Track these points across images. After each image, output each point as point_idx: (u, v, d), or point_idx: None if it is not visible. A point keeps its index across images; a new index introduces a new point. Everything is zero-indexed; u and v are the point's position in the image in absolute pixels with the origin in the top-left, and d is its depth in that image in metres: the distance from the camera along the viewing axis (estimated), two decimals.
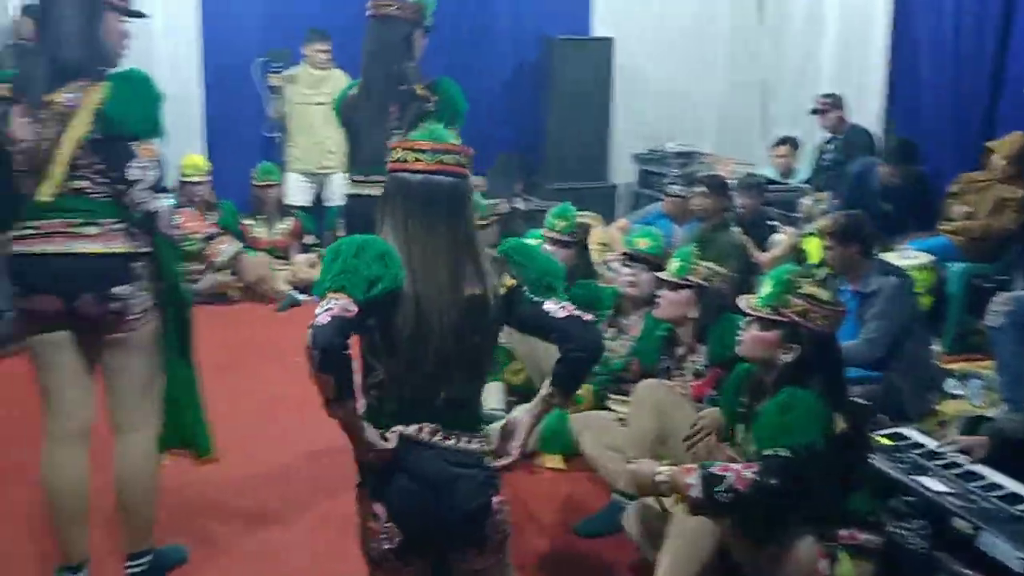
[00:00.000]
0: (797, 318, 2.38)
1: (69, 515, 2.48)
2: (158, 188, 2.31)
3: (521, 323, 1.99)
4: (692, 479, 2.27)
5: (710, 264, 3.22)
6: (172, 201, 2.36)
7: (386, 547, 1.87)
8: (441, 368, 1.85)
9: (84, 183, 2.31)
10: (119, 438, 2.50)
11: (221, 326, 5.02)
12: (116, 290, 2.32)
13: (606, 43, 7.35)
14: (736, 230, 4.76)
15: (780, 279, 2.43)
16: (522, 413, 2.01)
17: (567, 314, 1.91)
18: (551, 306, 1.91)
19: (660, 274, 3.33)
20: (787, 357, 2.40)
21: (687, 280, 3.18)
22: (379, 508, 1.86)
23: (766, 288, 2.44)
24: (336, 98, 3.54)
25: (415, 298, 1.81)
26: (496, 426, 2.02)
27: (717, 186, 4.70)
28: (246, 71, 6.65)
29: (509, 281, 1.94)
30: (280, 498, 3.29)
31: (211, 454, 2.76)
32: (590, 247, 5.66)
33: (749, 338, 2.46)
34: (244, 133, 6.96)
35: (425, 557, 1.93)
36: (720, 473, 2.26)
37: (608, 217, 6.54)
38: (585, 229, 4.31)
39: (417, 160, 1.89)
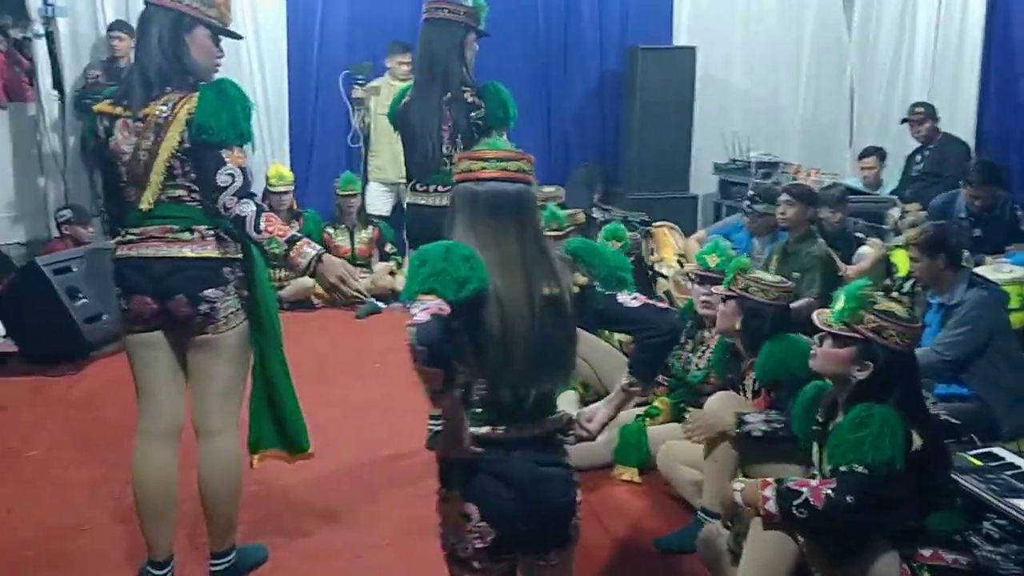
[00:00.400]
0: (871, 335, 2.31)
1: (156, 511, 2.56)
2: (245, 194, 2.38)
3: (598, 317, 2.04)
4: (768, 492, 2.24)
5: (760, 276, 3.15)
6: (254, 207, 2.40)
7: (478, 546, 1.90)
8: (528, 368, 1.88)
9: (180, 191, 2.41)
10: (202, 440, 2.58)
11: (303, 332, 5.15)
12: (207, 293, 2.42)
13: (689, 52, 7.29)
14: (821, 242, 4.64)
15: (854, 294, 2.36)
16: (601, 403, 2.07)
17: (641, 303, 1.98)
18: (624, 297, 1.98)
19: (716, 288, 3.30)
20: (861, 374, 2.33)
21: (732, 291, 3.11)
22: (471, 508, 1.89)
23: (840, 303, 2.38)
24: (391, 104, 3.57)
25: (499, 300, 1.85)
26: (576, 412, 2.07)
27: (804, 196, 4.58)
28: (330, 83, 6.82)
29: (581, 279, 1.97)
30: (361, 500, 3.35)
31: (308, 449, 2.81)
32: (666, 258, 5.62)
33: (822, 354, 2.41)
34: (328, 144, 7.14)
35: (513, 556, 1.97)
36: (796, 488, 2.23)
37: (688, 228, 6.47)
38: (637, 243, 4.37)
39: (483, 169, 1.93)
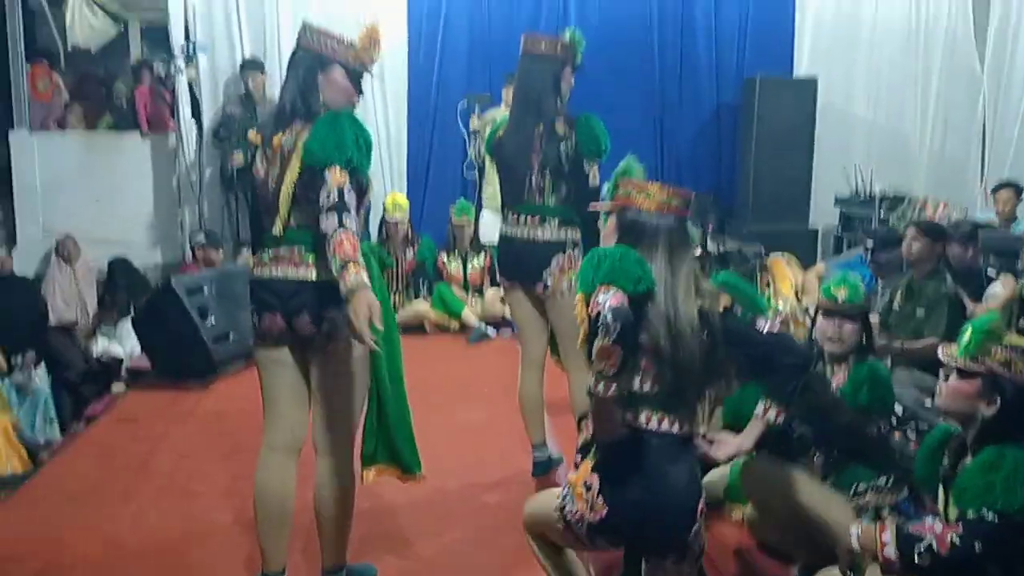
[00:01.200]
0: (999, 368, 2.21)
1: (273, 523, 2.66)
2: (338, 211, 2.40)
3: (734, 336, 2.17)
4: (886, 537, 2.15)
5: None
6: (337, 224, 2.42)
7: (589, 519, 2.04)
8: (680, 369, 2.05)
9: (304, 217, 2.54)
10: (320, 458, 2.68)
11: (415, 356, 5.20)
12: (329, 312, 2.52)
13: (810, 83, 7.14)
14: (948, 280, 4.44)
15: (981, 328, 2.27)
16: (740, 436, 2.24)
17: (777, 330, 2.22)
18: (761, 323, 2.21)
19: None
20: (989, 411, 2.22)
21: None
22: (594, 479, 2.04)
23: (966, 337, 2.28)
24: (488, 135, 3.63)
25: (663, 304, 2.07)
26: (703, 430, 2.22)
27: (932, 231, 4.39)
28: (448, 113, 6.99)
29: (726, 301, 2.18)
30: (468, 525, 3.38)
31: (419, 471, 2.87)
32: (782, 291, 5.47)
33: (948, 389, 2.30)
34: (444, 172, 7.31)
35: (614, 544, 2.10)
36: (919, 532, 2.13)
37: (808, 261, 6.30)
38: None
39: (647, 199, 2.19)
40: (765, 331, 2.19)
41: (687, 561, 2.05)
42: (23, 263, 6.80)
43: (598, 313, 1.94)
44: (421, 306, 6.22)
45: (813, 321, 3.38)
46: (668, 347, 2.05)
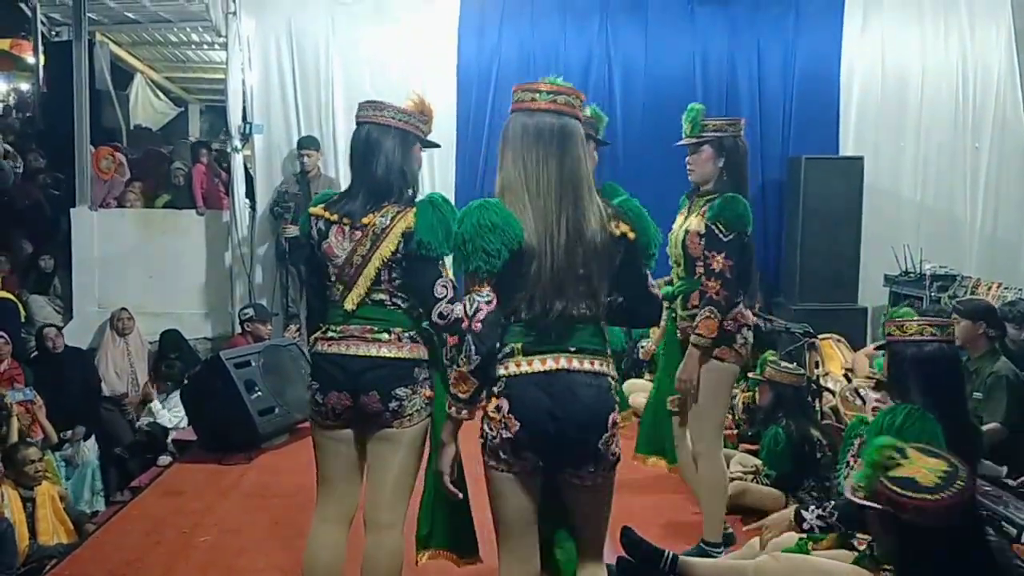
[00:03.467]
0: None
1: None
2: (455, 299, 2.54)
3: (624, 274, 2.27)
4: None
5: None
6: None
7: (504, 436, 2.14)
8: (557, 288, 2.15)
9: (383, 295, 2.60)
10: (370, 533, 2.66)
11: (464, 433, 5.20)
12: (398, 391, 2.57)
13: (856, 162, 7.14)
14: (1005, 361, 4.32)
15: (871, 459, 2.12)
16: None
17: (657, 292, 2.40)
18: (650, 278, 2.35)
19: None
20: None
21: None
22: (502, 402, 2.14)
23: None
24: None
25: (534, 231, 2.14)
26: None
27: (971, 312, 4.29)
28: (492, 188, 7.07)
29: (629, 232, 2.22)
30: None
31: (477, 553, 2.82)
32: (833, 372, 5.36)
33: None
34: None
35: (538, 455, 2.17)
36: None
37: (858, 341, 6.19)
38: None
39: (533, 100, 2.21)
40: (650, 286, 2.35)
41: (601, 470, 2.18)
42: (78, 336, 6.95)
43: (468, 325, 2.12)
44: None
45: (863, 399, 3.34)
46: (542, 271, 2.14)
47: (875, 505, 2.08)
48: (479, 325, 2.10)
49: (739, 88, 7.47)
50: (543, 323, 2.16)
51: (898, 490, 2.03)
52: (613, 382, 2.23)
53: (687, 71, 7.38)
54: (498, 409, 2.16)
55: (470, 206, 2.19)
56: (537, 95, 2.21)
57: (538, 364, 2.15)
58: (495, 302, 2.12)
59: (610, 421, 2.17)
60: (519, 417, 2.13)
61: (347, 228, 2.61)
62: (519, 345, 2.16)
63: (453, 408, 2.19)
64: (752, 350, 5.00)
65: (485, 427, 2.20)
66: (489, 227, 2.10)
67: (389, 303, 2.61)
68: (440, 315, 2.52)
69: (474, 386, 2.14)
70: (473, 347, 2.11)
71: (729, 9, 7.45)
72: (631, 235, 2.22)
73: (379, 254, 2.56)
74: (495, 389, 2.18)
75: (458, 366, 2.16)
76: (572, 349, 2.17)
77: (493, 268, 2.11)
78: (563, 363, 2.15)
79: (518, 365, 2.16)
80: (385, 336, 2.58)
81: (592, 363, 2.18)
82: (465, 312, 2.14)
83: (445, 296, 2.53)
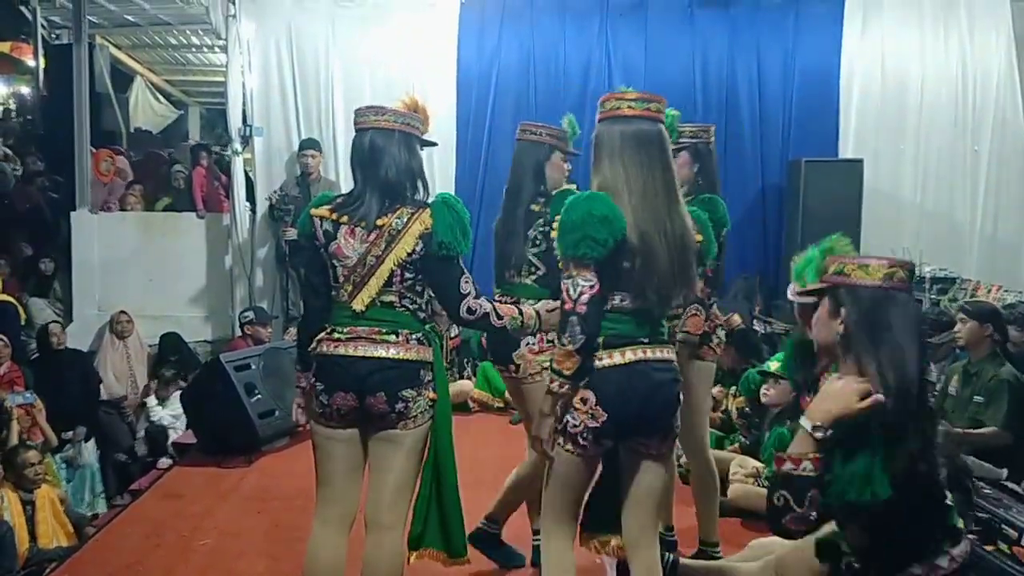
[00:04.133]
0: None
1: None
2: (480, 294, 2.63)
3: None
4: None
5: None
6: (489, 303, 2.66)
7: (590, 425, 2.34)
8: (663, 284, 2.39)
9: (393, 297, 2.61)
10: (371, 534, 2.67)
11: (458, 435, 5.17)
12: (404, 392, 2.58)
13: (856, 165, 7.14)
14: (1008, 365, 4.32)
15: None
16: None
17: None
18: None
19: None
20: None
21: None
22: (588, 394, 2.34)
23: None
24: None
25: (638, 230, 2.34)
26: None
27: (979, 313, 4.31)
28: (494, 195, 7.05)
29: (699, 236, 2.61)
30: None
31: (465, 555, 2.85)
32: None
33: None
34: (488, 252, 7.28)
35: (615, 440, 2.41)
36: None
37: None
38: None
39: (629, 107, 2.40)
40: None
41: (668, 440, 2.48)
42: (78, 339, 6.94)
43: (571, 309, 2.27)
44: (465, 385, 6.22)
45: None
46: (648, 266, 2.33)
47: (820, 287, 2.17)
48: (583, 307, 2.28)
49: (739, 91, 7.48)
50: (640, 317, 2.39)
51: (845, 268, 2.08)
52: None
53: (687, 74, 7.40)
54: (584, 401, 2.35)
55: (578, 196, 2.37)
56: (631, 103, 2.42)
57: (618, 357, 2.36)
58: (597, 287, 2.29)
59: (679, 399, 2.46)
60: (606, 408, 2.34)
61: (359, 229, 2.61)
62: (601, 339, 2.35)
63: (555, 383, 2.34)
64: (737, 356, 5.03)
65: (568, 417, 2.38)
66: (599, 218, 2.28)
67: (398, 305, 2.62)
68: (468, 310, 2.60)
69: (578, 363, 2.30)
70: (578, 327, 2.27)
71: (729, 11, 7.47)
72: (700, 239, 2.52)
73: (394, 255, 2.57)
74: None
75: (563, 345, 2.31)
76: (648, 340, 2.40)
77: (599, 256, 2.28)
78: (640, 354, 2.38)
79: (600, 359, 2.35)
80: (393, 338, 2.59)
81: (663, 351, 2.44)
82: (568, 295, 2.30)
83: (470, 292, 2.60)
